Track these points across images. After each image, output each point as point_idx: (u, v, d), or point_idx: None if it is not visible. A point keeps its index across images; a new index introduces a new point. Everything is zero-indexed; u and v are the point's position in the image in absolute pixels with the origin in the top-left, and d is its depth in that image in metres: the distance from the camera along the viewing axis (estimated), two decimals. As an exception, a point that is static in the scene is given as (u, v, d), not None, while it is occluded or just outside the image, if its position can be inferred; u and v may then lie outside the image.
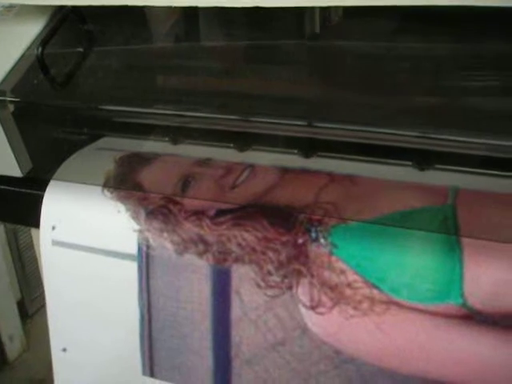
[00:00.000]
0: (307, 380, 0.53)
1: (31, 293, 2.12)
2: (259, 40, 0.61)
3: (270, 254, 0.52)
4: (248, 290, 0.53)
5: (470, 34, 0.53)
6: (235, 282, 0.54)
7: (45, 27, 0.64)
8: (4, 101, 0.59)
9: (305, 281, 0.51)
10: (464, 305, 0.46)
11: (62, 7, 0.62)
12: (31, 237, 2.01)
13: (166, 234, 0.56)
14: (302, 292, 0.51)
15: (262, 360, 0.55)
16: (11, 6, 0.68)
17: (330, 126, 0.50)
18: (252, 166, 0.57)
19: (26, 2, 0.64)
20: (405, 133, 0.48)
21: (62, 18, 0.60)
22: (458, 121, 0.49)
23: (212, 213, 0.55)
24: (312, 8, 0.59)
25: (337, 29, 0.61)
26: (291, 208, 0.52)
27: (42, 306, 2.10)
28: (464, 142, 0.46)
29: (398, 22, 0.57)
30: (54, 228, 0.62)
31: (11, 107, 0.60)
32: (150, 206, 0.57)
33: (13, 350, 2.04)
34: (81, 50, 0.63)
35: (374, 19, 0.58)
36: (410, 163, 0.53)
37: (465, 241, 0.47)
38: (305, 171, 0.56)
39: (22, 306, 2.08)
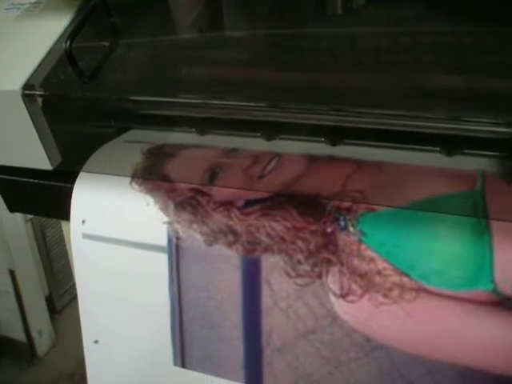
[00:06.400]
0: (338, 367, 0.53)
1: (59, 288, 2.14)
2: (283, 28, 0.61)
3: (300, 243, 0.52)
4: (278, 280, 0.53)
5: (495, 15, 0.53)
6: (265, 271, 0.54)
7: (72, 21, 0.64)
8: (33, 95, 0.60)
9: (334, 269, 0.51)
10: (494, 291, 0.46)
11: (88, 1, 0.63)
12: (58, 233, 2.03)
13: (195, 226, 0.56)
14: (332, 280, 0.51)
15: (293, 348, 0.55)
16: (38, 2, 0.68)
17: (356, 110, 0.50)
18: (279, 155, 0.57)
19: (53, -3, 0.64)
20: (432, 116, 0.47)
21: (88, 11, 0.61)
22: (484, 104, 0.48)
23: (240, 203, 0.55)
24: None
25: (359, 14, 0.61)
26: (319, 197, 0.53)
27: (70, 302, 2.12)
28: (491, 124, 0.46)
29: (422, 5, 0.57)
30: (83, 222, 0.62)
31: (40, 101, 0.60)
32: (179, 197, 0.57)
33: (42, 345, 2.06)
34: (107, 43, 0.64)
35: (396, 3, 0.58)
36: (438, 149, 0.53)
37: (494, 226, 0.46)
38: (332, 159, 0.55)
39: (50, 301, 2.11)
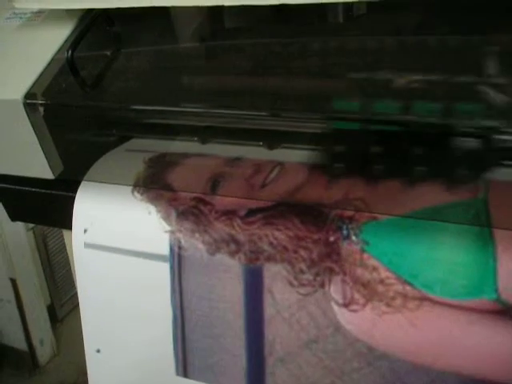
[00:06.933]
0: (340, 377, 0.53)
1: (61, 297, 2.14)
2: (285, 37, 0.61)
3: (302, 252, 0.52)
4: (280, 289, 0.53)
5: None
6: (268, 280, 0.54)
7: (74, 31, 0.64)
8: (35, 104, 0.60)
9: (337, 278, 0.51)
10: (498, 299, 0.46)
11: (90, 10, 0.63)
12: (60, 242, 2.03)
13: (197, 235, 0.56)
14: (335, 290, 0.51)
15: (296, 358, 0.55)
16: (40, 12, 0.69)
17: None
18: (281, 164, 0.57)
19: (55, 7, 0.64)
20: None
21: (90, 21, 0.61)
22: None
23: (243, 212, 0.55)
24: (336, 4, 0.59)
25: (360, 23, 0.61)
26: (321, 205, 0.52)
27: (71, 311, 2.12)
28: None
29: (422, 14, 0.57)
30: (85, 231, 0.62)
31: (42, 110, 0.60)
32: (181, 206, 0.57)
33: (43, 354, 2.06)
34: (109, 52, 0.64)
35: (395, 13, 0.58)
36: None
37: (498, 235, 0.46)
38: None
39: (51, 310, 2.10)
